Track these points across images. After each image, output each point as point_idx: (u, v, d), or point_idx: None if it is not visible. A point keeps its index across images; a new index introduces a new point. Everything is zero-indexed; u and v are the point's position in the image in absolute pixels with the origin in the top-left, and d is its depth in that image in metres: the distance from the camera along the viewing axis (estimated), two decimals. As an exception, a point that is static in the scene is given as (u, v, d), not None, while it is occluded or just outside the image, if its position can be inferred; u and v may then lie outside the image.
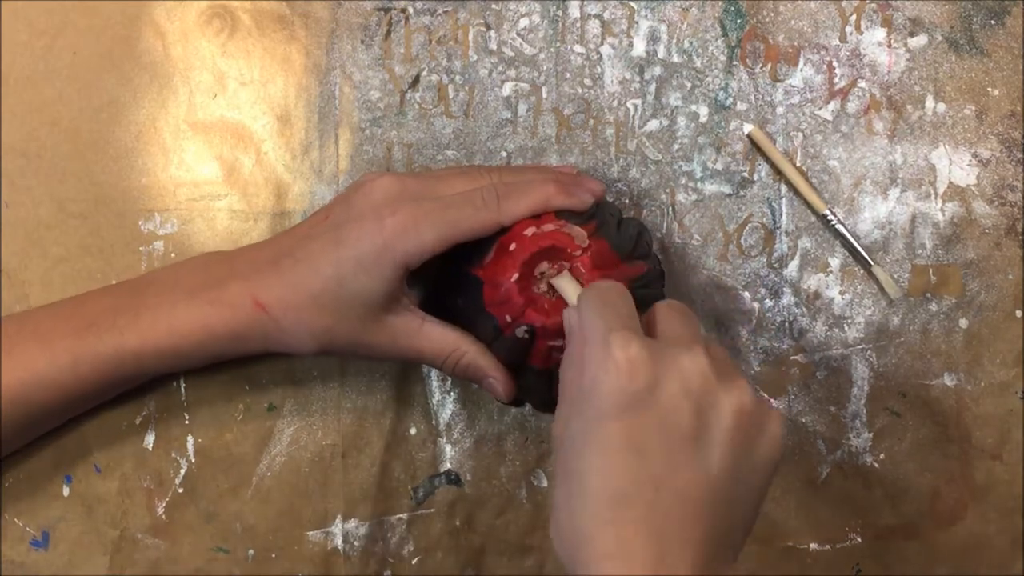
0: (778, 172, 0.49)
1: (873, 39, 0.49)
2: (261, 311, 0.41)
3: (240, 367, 0.49)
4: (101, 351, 0.42)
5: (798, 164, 0.49)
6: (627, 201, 0.49)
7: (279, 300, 0.41)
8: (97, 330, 0.42)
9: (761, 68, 0.49)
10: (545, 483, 0.49)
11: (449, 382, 0.49)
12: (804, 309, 0.49)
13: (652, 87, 0.50)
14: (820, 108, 0.49)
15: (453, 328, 0.43)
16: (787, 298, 0.49)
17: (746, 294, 0.49)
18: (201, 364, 0.44)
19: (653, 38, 0.50)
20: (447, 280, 0.44)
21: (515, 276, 0.42)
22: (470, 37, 0.50)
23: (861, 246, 0.48)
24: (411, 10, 0.50)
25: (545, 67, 0.50)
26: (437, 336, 0.43)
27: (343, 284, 0.41)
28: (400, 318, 0.42)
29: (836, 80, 0.49)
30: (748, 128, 0.49)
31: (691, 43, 0.50)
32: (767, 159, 0.49)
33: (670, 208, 0.49)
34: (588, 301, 0.38)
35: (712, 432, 0.34)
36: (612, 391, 0.34)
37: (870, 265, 0.48)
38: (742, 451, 0.34)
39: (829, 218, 0.48)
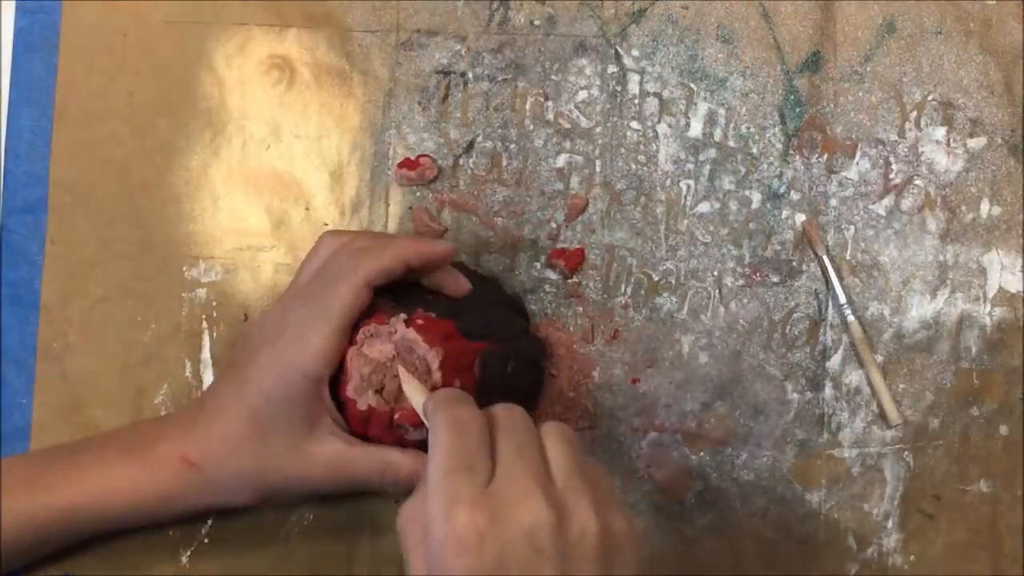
0: (821, 266, 0.49)
1: (932, 137, 0.49)
2: (190, 467, 0.41)
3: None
4: (31, 508, 0.42)
5: (848, 258, 0.49)
6: (673, 280, 0.49)
7: (205, 453, 0.41)
8: (28, 487, 0.42)
9: (817, 158, 0.49)
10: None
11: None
12: (844, 403, 0.49)
13: (706, 169, 0.49)
14: (874, 203, 0.49)
15: (380, 446, 0.42)
16: (827, 391, 0.49)
17: (787, 384, 0.49)
18: (135, 525, 0.44)
19: (711, 120, 0.49)
20: None
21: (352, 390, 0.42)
22: (527, 106, 0.49)
23: (878, 360, 0.48)
24: (470, 75, 0.50)
25: (600, 141, 0.49)
26: (363, 457, 0.42)
27: (257, 422, 0.41)
28: (324, 445, 0.41)
29: (892, 176, 0.49)
30: (800, 218, 0.49)
31: (748, 129, 0.49)
32: (814, 252, 0.49)
33: (717, 291, 0.49)
34: (438, 426, 0.36)
35: (586, 552, 0.33)
36: (460, 568, 0.32)
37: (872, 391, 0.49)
38: None
39: (847, 316, 0.48)
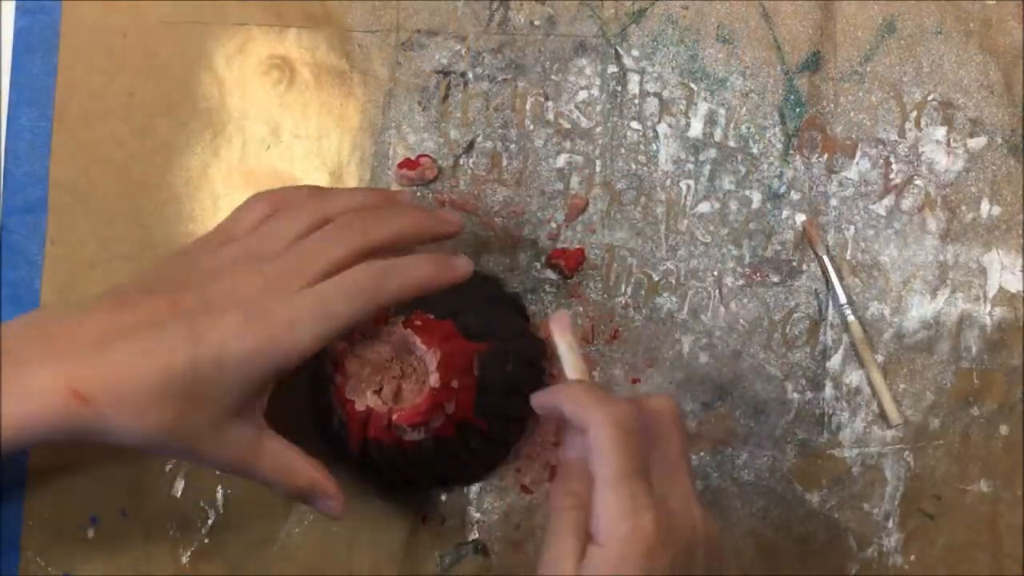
0: (821, 266, 0.48)
1: (932, 137, 0.49)
2: (82, 404, 0.35)
3: (274, 420, 0.48)
4: None
5: (848, 257, 0.49)
6: (673, 280, 0.49)
7: (106, 391, 0.35)
8: None
9: (817, 158, 0.49)
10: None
11: (482, 450, 0.49)
12: (844, 403, 0.49)
13: (706, 169, 0.49)
14: (874, 203, 0.49)
15: (289, 446, 0.40)
16: (828, 391, 0.49)
17: (788, 384, 0.49)
18: (21, 453, 0.40)
19: (711, 120, 0.49)
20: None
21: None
22: (527, 106, 0.49)
23: (878, 360, 0.48)
24: (470, 75, 0.50)
25: (600, 141, 0.49)
26: (274, 456, 0.39)
27: (196, 385, 0.36)
28: (242, 429, 0.38)
29: (892, 176, 0.49)
30: (801, 219, 0.49)
31: (748, 128, 0.49)
32: (814, 252, 0.49)
33: (717, 291, 0.49)
34: (604, 428, 0.35)
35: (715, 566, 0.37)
36: (643, 568, 0.34)
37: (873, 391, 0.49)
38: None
39: (848, 316, 0.48)
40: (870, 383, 0.48)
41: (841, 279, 0.48)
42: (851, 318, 0.48)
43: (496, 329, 0.45)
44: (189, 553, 0.48)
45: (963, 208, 0.49)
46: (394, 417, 0.42)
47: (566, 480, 0.37)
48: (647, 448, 0.37)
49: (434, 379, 0.41)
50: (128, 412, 0.36)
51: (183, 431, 0.37)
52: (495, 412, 0.45)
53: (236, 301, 0.37)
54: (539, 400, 0.39)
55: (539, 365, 0.48)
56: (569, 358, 0.40)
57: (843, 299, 0.48)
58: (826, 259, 0.48)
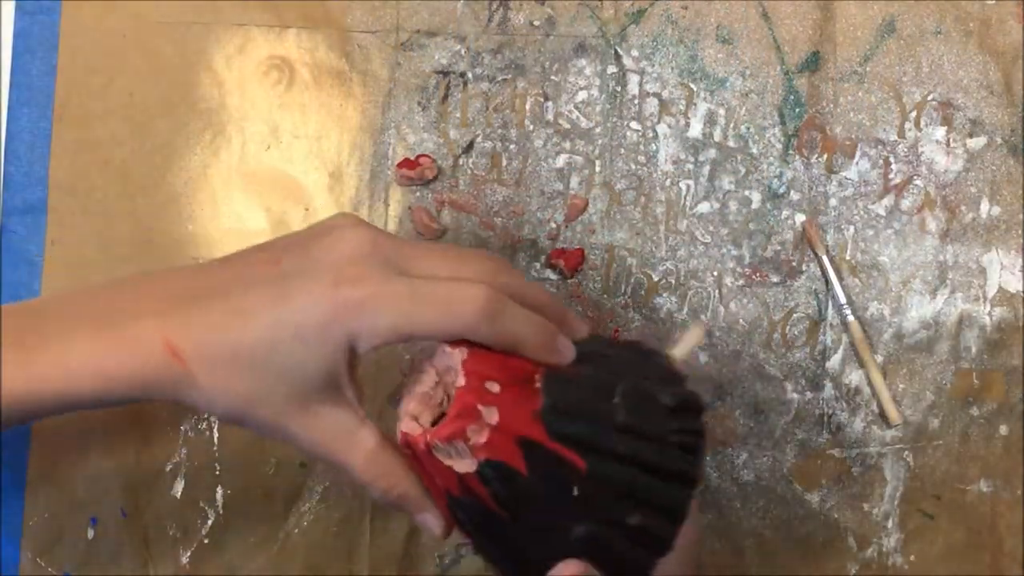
0: (821, 266, 0.48)
1: (932, 137, 0.49)
2: (174, 358, 0.33)
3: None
4: None
5: (848, 257, 0.49)
6: (673, 281, 0.49)
7: (198, 348, 0.33)
8: None
9: (817, 158, 0.49)
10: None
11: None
12: (844, 404, 0.49)
13: (706, 169, 0.49)
14: (874, 203, 0.49)
15: (394, 449, 0.36)
16: (827, 391, 0.49)
17: (787, 384, 0.49)
18: (106, 407, 0.36)
19: (710, 120, 0.49)
20: None
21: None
22: (527, 106, 0.49)
23: (878, 360, 0.48)
24: (470, 75, 0.50)
25: (600, 141, 0.49)
26: (371, 452, 0.35)
27: (275, 350, 0.33)
28: (334, 414, 0.35)
29: (892, 176, 0.49)
30: (800, 219, 0.49)
31: (748, 129, 0.49)
32: (814, 252, 0.49)
33: (716, 291, 0.49)
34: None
35: None
36: None
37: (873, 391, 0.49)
38: None
39: (847, 316, 0.48)
40: (870, 383, 0.48)
41: (841, 279, 0.48)
42: (851, 318, 0.48)
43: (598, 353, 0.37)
44: (189, 553, 0.48)
45: (963, 208, 0.49)
46: (428, 437, 0.34)
47: None
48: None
49: (460, 379, 0.34)
50: (217, 378, 0.34)
51: (269, 404, 0.34)
52: (602, 451, 0.34)
53: (334, 265, 0.34)
54: None
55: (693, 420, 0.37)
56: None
57: (843, 299, 0.48)
58: (825, 259, 0.48)
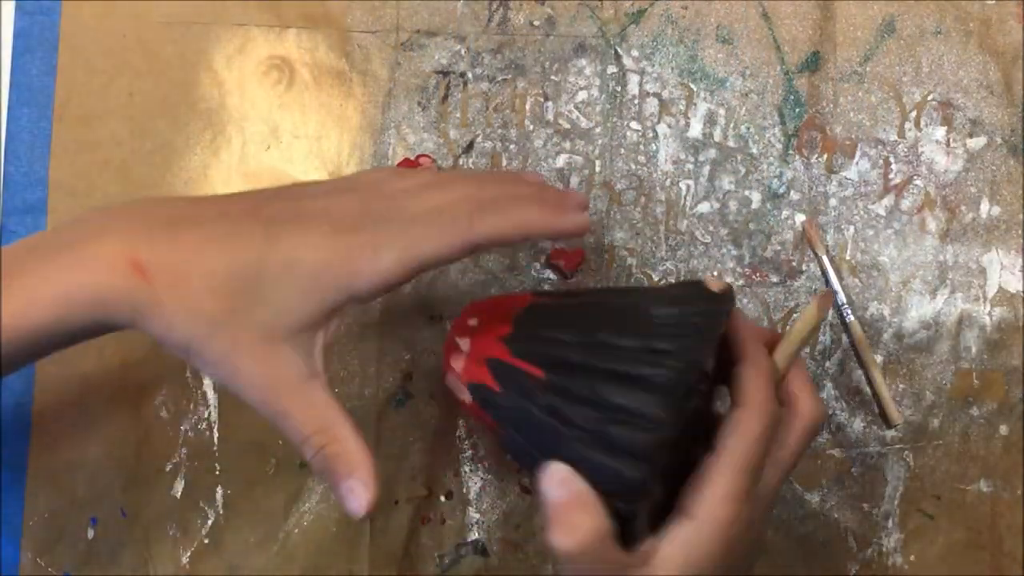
0: (821, 266, 0.48)
1: (932, 137, 0.49)
2: (138, 275, 0.32)
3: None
4: None
5: (847, 257, 0.49)
6: (673, 280, 0.49)
7: (167, 267, 0.32)
8: None
9: (817, 158, 0.49)
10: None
11: (482, 450, 0.49)
12: (844, 403, 0.49)
13: (706, 169, 0.49)
14: (874, 203, 0.49)
15: (340, 409, 0.35)
16: (827, 391, 0.49)
17: (787, 384, 0.49)
18: (65, 344, 0.33)
19: (710, 120, 0.49)
20: None
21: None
22: (527, 106, 0.49)
23: (878, 360, 0.48)
24: (470, 75, 0.50)
25: (600, 141, 0.49)
26: (315, 403, 0.34)
27: (261, 283, 0.33)
28: (292, 358, 0.34)
29: (892, 176, 0.49)
30: (800, 219, 0.49)
31: (748, 128, 0.49)
32: (814, 252, 0.49)
33: (716, 292, 0.49)
34: (759, 417, 0.36)
35: None
36: (719, 552, 0.35)
37: (874, 389, 0.49)
38: None
39: (847, 316, 0.48)
40: (870, 383, 0.48)
41: (841, 279, 0.48)
42: (851, 318, 0.48)
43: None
44: (189, 553, 0.48)
45: (963, 208, 0.49)
46: (444, 382, 0.39)
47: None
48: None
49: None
50: (183, 296, 0.32)
51: (231, 329, 0.33)
52: (558, 362, 0.36)
53: (325, 217, 0.34)
54: (735, 324, 0.38)
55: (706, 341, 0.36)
56: (799, 333, 0.38)
57: (843, 299, 0.48)
58: (825, 259, 0.48)
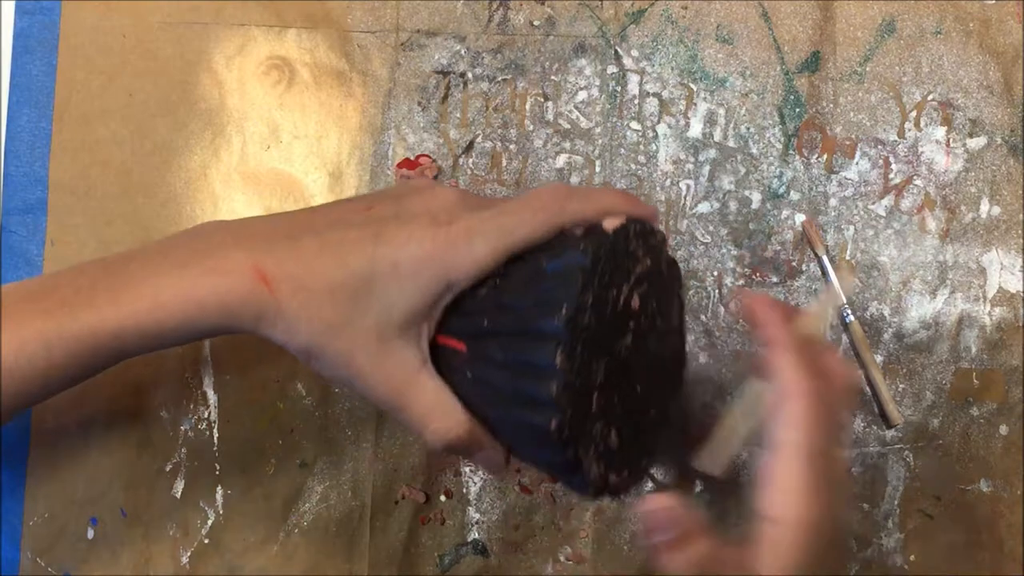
0: (821, 267, 0.48)
1: (932, 137, 0.49)
2: (262, 285, 0.34)
3: (275, 422, 0.49)
4: (76, 332, 0.35)
5: (848, 257, 0.49)
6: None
7: (288, 277, 0.35)
8: (71, 309, 0.35)
9: (817, 159, 0.49)
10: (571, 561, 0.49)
11: (482, 450, 0.49)
12: (844, 403, 0.49)
13: (706, 169, 0.49)
14: (874, 203, 0.49)
15: (450, 392, 0.37)
16: (827, 391, 0.49)
17: (787, 384, 0.49)
18: (184, 342, 0.36)
19: (710, 120, 0.49)
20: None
21: None
22: (527, 107, 0.49)
23: (878, 360, 0.48)
24: (470, 75, 0.50)
25: (600, 141, 0.49)
26: (430, 393, 0.37)
27: (372, 283, 0.35)
28: (404, 352, 0.36)
29: (892, 176, 0.49)
30: (800, 219, 0.49)
31: (748, 129, 0.49)
32: (814, 252, 0.49)
33: (716, 291, 0.49)
34: (806, 398, 0.35)
35: None
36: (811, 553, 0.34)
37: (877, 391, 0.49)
38: None
39: (847, 316, 0.48)
40: (870, 383, 0.48)
41: (840, 279, 0.48)
42: (850, 318, 0.48)
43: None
44: (189, 553, 0.48)
45: (962, 208, 0.49)
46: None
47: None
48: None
49: None
50: (304, 304, 0.35)
51: (349, 334, 0.35)
52: (474, 333, 0.37)
53: (429, 210, 0.37)
54: (750, 305, 0.38)
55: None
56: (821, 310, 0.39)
57: (842, 299, 0.48)
58: (825, 259, 0.48)
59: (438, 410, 0.36)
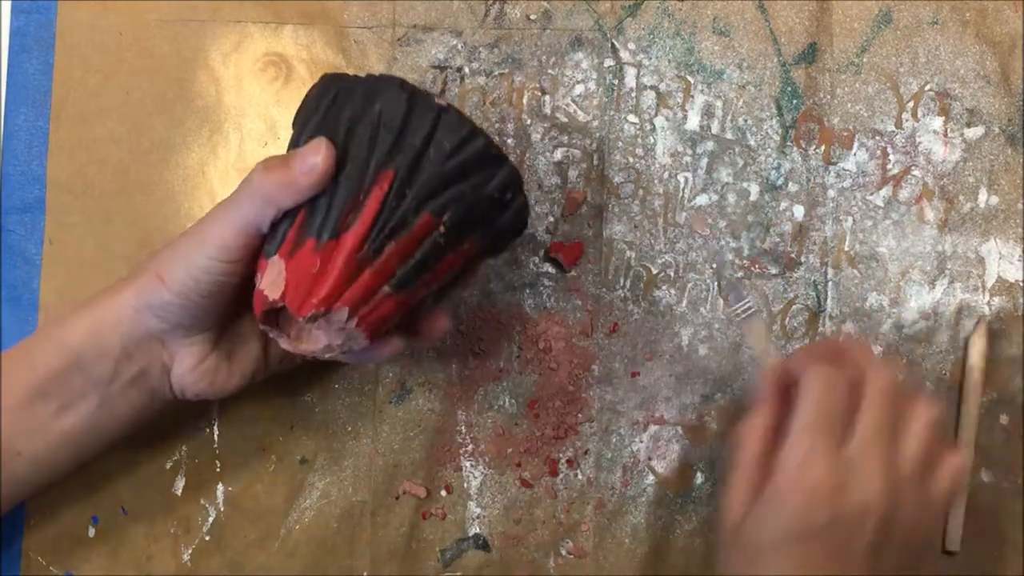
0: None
1: (929, 127, 0.49)
2: (159, 282, 0.41)
3: (275, 418, 0.49)
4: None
5: (846, 248, 0.49)
6: (672, 273, 0.49)
7: (170, 270, 0.41)
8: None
9: (814, 150, 0.49)
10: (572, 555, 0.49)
11: (482, 445, 0.49)
12: (844, 395, 0.48)
13: (704, 162, 0.49)
14: (872, 194, 0.49)
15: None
16: (827, 382, 0.49)
17: (787, 376, 0.49)
18: (112, 348, 0.41)
19: (708, 113, 0.49)
20: None
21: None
22: (524, 100, 0.49)
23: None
24: (467, 70, 0.50)
25: (598, 135, 0.49)
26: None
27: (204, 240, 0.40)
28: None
29: (890, 166, 0.49)
30: (799, 210, 0.49)
31: (746, 121, 0.49)
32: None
33: (715, 283, 0.49)
34: (812, 381, 0.39)
35: (892, 542, 0.38)
36: (792, 513, 0.37)
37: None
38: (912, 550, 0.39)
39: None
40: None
41: (839, 272, 0.48)
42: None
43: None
44: (190, 551, 0.48)
45: (961, 198, 0.49)
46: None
47: (758, 424, 0.40)
48: (849, 413, 0.39)
49: None
50: (177, 279, 0.40)
51: (201, 282, 0.40)
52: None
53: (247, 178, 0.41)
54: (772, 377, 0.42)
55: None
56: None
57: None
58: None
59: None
